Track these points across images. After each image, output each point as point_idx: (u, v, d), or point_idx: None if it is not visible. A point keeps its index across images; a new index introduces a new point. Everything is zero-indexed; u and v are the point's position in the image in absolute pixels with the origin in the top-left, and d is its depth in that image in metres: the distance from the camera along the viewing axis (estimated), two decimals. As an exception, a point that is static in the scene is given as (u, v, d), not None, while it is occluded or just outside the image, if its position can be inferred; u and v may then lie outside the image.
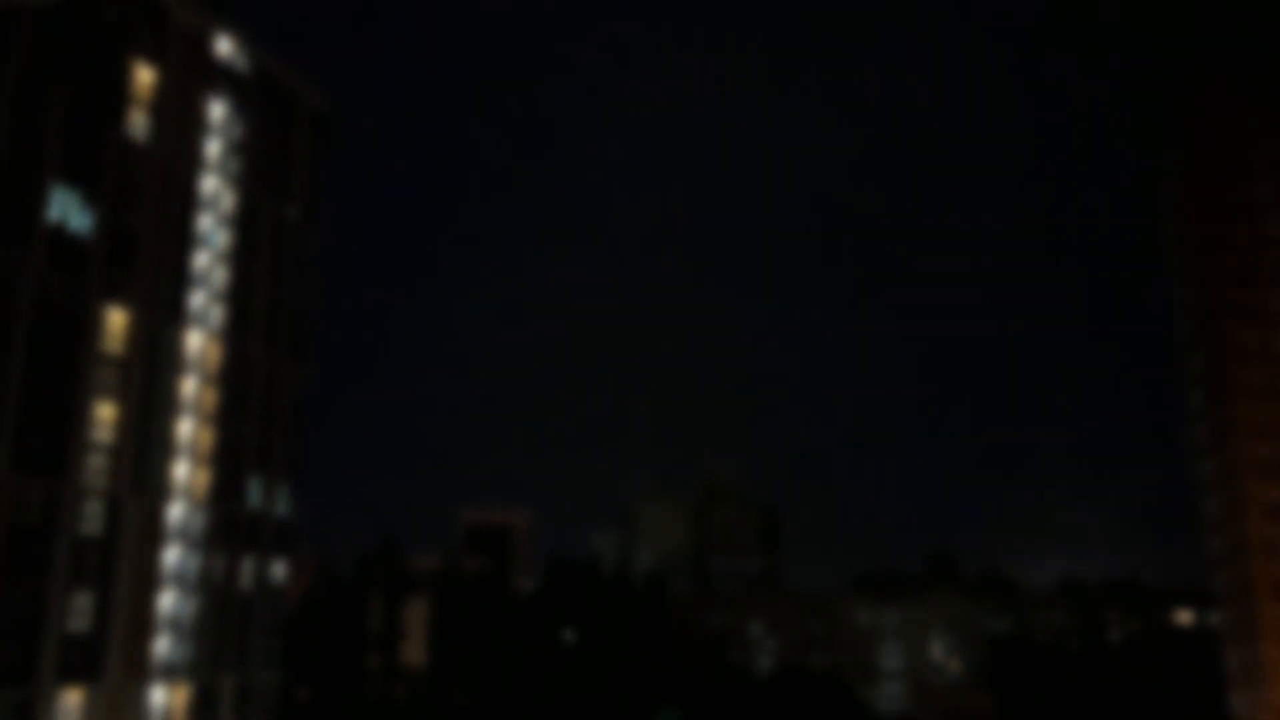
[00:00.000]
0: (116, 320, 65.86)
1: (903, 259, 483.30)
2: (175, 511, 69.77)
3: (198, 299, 72.90)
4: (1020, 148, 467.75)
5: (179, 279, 71.41)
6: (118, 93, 67.23)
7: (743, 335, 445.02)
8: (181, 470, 70.51)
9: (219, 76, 75.89)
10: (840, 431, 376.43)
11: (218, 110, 75.64)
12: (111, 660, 63.88)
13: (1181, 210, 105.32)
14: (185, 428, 71.11)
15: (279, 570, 79.41)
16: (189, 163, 72.83)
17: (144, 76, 69.32)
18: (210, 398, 73.71)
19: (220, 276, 75.31)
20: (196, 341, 72.67)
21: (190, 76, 73.22)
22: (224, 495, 74.04)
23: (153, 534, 67.88)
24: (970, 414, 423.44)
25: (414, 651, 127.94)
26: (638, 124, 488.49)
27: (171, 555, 69.11)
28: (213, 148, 75.06)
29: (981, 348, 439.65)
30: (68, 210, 62.56)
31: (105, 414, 64.58)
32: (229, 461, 74.81)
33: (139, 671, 65.87)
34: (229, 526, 74.49)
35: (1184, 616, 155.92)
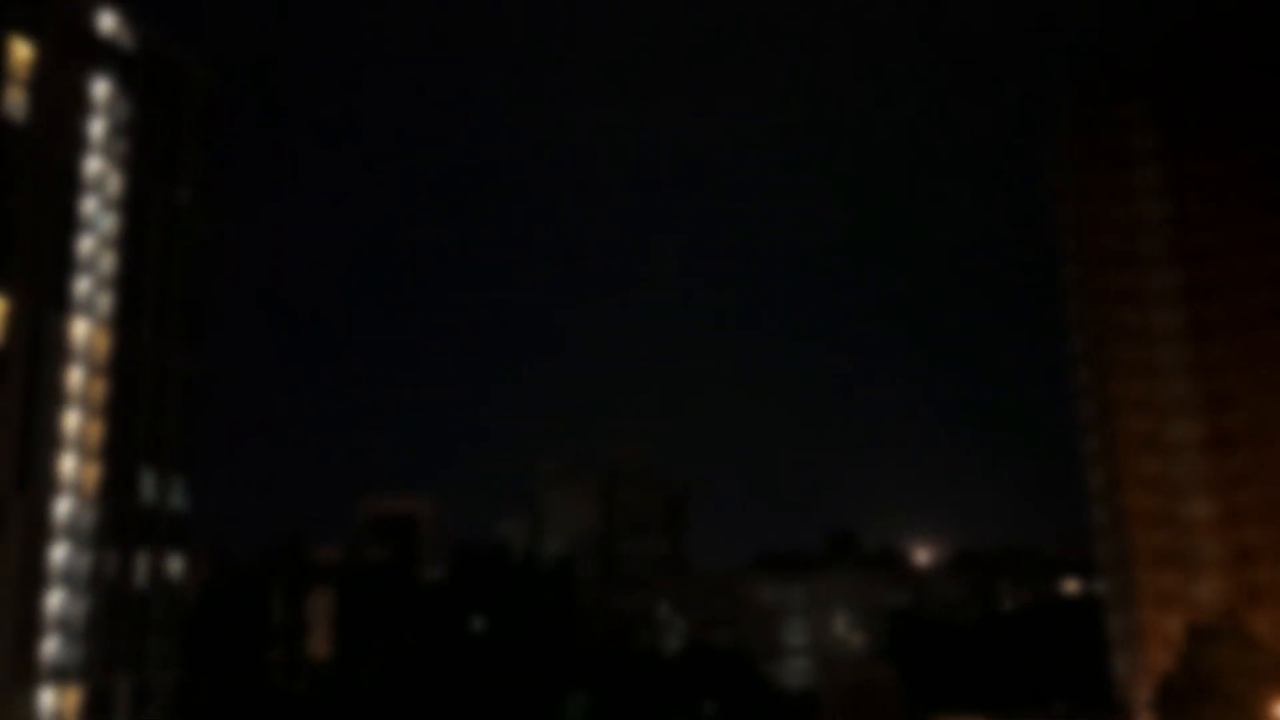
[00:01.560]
0: (-5, 309, 62.83)
1: (806, 245, 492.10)
2: (63, 507, 67.06)
3: (83, 285, 69.97)
4: (917, 136, 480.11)
5: (63, 265, 68.44)
6: (-9, 69, 63.95)
7: (649, 319, 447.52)
8: (69, 464, 67.76)
9: (102, 53, 72.74)
10: (744, 414, 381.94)
11: (101, 88, 72.53)
12: (-4, 664, 61.21)
13: (1065, 196, 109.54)
14: (72, 420, 68.32)
15: (175, 566, 77.06)
16: (70, 143, 69.73)
17: (20, 52, 66.04)
18: (98, 388, 70.95)
19: (107, 262, 72.42)
20: (83, 330, 69.80)
21: (70, 53, 70.02)
22: (115, 489, 71.43)
23: (38, 531, 65.14)
24: (868, 394, 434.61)
25: (320, 644, 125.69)
26: (542, 82, 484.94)
27: (59, 553, 66.45)
28: (96, 127, 72.00)
29: (881, 331, 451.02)
30: (-62, 193, 59.39)
31: (-16, 407, 61.63)
32: (120, 454, 72.18)
33: (26, 675, 63.25)
34: (121, 522, 71.92)
35: (1071, 585, 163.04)
